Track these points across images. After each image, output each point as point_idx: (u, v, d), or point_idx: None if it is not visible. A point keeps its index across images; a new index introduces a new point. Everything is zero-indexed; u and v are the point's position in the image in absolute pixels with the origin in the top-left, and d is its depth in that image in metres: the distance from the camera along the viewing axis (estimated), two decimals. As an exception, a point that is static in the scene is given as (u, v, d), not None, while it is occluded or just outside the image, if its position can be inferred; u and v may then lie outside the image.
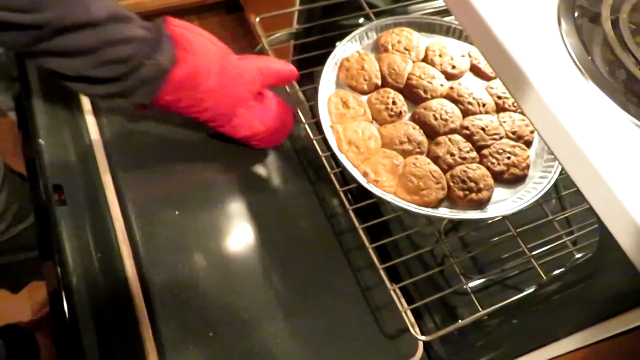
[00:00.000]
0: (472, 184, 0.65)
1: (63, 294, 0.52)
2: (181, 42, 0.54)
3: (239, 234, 0.64)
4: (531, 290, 0.62)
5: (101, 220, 0.57)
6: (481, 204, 0.65)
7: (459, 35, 0.80)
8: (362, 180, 0.64)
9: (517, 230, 0.67)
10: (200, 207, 0.63)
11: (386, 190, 0.64)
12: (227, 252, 0.62)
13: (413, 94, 0.73)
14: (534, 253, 0.67)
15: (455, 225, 0.74)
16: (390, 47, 0.76)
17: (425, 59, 0.77)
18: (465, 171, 0.66)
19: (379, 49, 0.77)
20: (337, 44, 0.75)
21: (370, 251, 0.62)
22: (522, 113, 0.73)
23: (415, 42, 0.77)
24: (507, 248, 0.69)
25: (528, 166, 0.68)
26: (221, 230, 0.63)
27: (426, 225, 0.71)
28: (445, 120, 0.70)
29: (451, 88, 0.74)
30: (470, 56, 0.77)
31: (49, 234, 0.55)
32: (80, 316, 0.52)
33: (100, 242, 0.56)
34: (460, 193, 0.65)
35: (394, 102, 0.71)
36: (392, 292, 0.61)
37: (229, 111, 0.61)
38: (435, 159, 0.68)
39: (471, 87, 0.74)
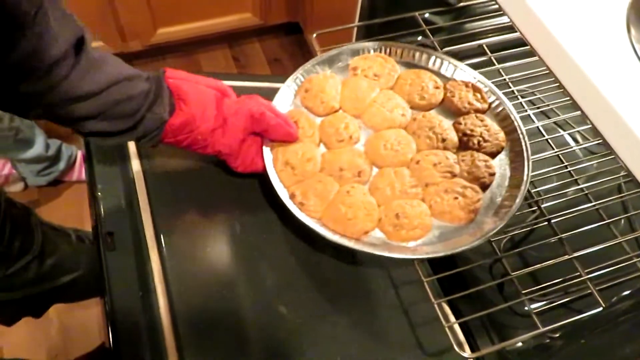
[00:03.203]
0: (405, 221, 0.61)
1: (110, 330, 0.58)
2: (178, 92, 0.60)
3: (266, 270, 0.64)
4: (597, 310, 0.59)
5: (143, 262, 0.62)
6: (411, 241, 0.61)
7: (439, 66, 0.76)
8: (287, 201, 0.61)
9: (581, 252, 0.63)
10: (228, 242, 0.65)
11: (310, 215, 0.61)
12: (254, 283, 0.63)
13: (370, 121, 0.70)
14: (596, 274, 0.63)
15: (516, 243, 0.71)
16: (359, 71, 0.73)
17: (394, 87, 0.73)
18: (402, 206, 0.62)
19: (350, 72, 0.75)
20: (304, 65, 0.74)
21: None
22: (485, 153, 0.66)
23: (388, 69, 0.74)
24: (572, 270, 0.64)
25: (476, 210, 0.63)
26: (246, 267, 0.64)
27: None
28: (396, 151, 0.66)
29: (414, 119, 0.70)
30: (445, 89, 0.73)
31: (102, 275, 0.62)
32: (123, 351, 0.57)
33: (143, 282, 0.61)
34: (390, 228, 0.61)
35: (345, 127, 0.68)
36: (435, 305, 0.59)
37: (228, 149, 0.64)
38: (374, 191, 0.64)
39: (436, 121, 0.69)
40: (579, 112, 0.80)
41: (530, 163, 0.65)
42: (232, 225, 0.67)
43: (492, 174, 0.65)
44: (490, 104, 0.72)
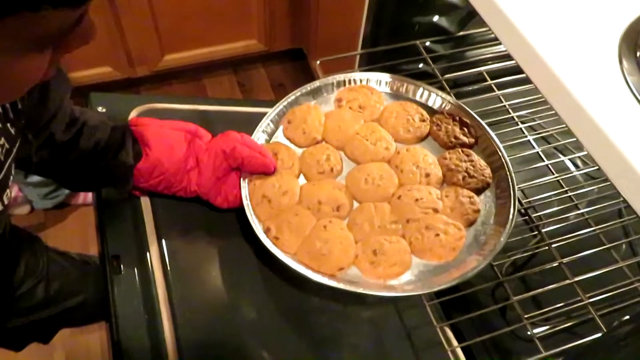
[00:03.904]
0: (382, 257, 0.59)
1: (114, 354, 0.59)
2: (141, 138, 0.64)
3: (274, 291, 0.64)
4: (598, 335, 0.59)
5: (148, 285, 0.62)
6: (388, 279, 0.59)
7: (426, 98, 0.75)
8: (261, 236, 0.60)
9: (582, 277, 0.63)
10: (231, 271, 0.65)
11: (284, 250, 0.60)
12: (260, 309, 0.63)
13: (353, 154, 0.69)
14: (597, 299, 0.62)
15: (518, 267, 0.70)
16: (344, 103, 0.73)
17: (379, 120, 0.72)
18: (380, 242, 0.60)
19: (334, 104, 0.74)
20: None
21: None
22: (470, 189, 0.66)
23: (374, 100, 0.73)
24: (573, 294, 0.64)
25: (458, 248, 0.61)
26: (250, 295, 0.64)
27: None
28: (377, 185, 0.65)
29: (397, 153, 0.69)
30: (432, 122, 0.72)
31: (108, 299, 0.63)
32: None
33: (148, 305, 0.61)
34: (366, 264, 0.59)
35: (327, 159, 0.67)
36: (438, 329, 0.59)
37: (205, 189, 0.65)
38: (352, 226, 0.63)
39: (420, 155, 0.68)
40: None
41: (517, 201, 0.63)
42: (239, 251, 0.66)
43: (477, 211, 0.64)
44: (477, 138, 0.70)
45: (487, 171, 0.67)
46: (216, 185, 0.65)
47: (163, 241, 0.65)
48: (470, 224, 0.63)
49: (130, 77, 1.63)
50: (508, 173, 0.66)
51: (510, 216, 0.62)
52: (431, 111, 0.73)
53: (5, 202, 0.51)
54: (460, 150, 0.69)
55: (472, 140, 0.70)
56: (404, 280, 0.59)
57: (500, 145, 0.69)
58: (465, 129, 0.71)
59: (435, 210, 0.63)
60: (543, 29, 0.47)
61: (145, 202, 0.69)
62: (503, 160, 0.67)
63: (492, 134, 0.70)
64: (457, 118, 0.72)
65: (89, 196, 1.56)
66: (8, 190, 0.51)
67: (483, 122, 0.71)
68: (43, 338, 0.95)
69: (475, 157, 0.68)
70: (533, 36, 0.46)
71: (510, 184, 0.65)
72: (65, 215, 1.56)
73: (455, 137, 0.70)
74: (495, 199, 0.66)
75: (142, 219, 0.67)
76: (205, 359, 0.58)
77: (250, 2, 1.58)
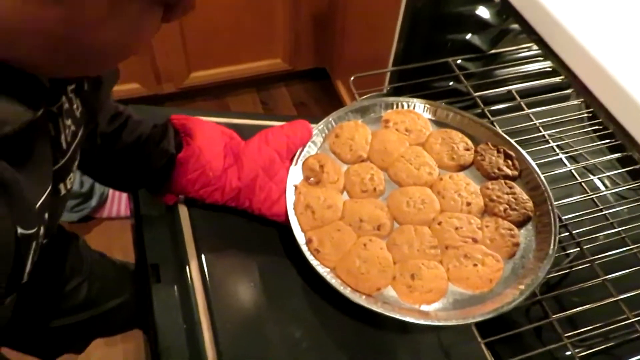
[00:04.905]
0: (419, 282, 0.59)
1: None
2: (184, 129, 0.64)
3: (309, 303, 0.64)
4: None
5: (187, 294, 0.62)
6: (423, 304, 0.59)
7: (471, 127, 0.76)
8: (303, 246, 0.61)
9: (628, 294, 0.62)
10: (270, 283, 0.65)
11: (324, 264, 0.61)
12: (296, 319, 0.63)
13: (396, 176, 0.69)
14: None
15: (551, 287, 0.69)
16: (391, 124, 0.74)
17: (424, 145, 0.73)
18: (418, 266, 0.60)
19: (381, 124, 0.75)
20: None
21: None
22: (511, 221, 0.66)
23: (420, 125, 0.74)
24: (614, 314, 0.63)
25: (495, 280, 0.61)
26: (292, 300, 0.64)
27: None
28: (419, 209, 0.65)
29: (440, 179, 0.69)
30: (476, 152, 0.72)
31: (147, 308, 0.63)
32: None
33: (187, 315, 0.61)
34: (403, 288, 0.59)
35: (371, 178, 0.68)
36: (483, 345, 0.58)
37: (247, 180, 0.64)
38: (392, 246, 0.63)
39: (463, 183, 0.68)
40: (608, 157, 0.83)
41: (557, 238, 0.63)
42: (277, 262, 0.66)
43: (516, 244, 0.63)
44: (520, 171, 0.71)
45: (529, 205, 0.67)
46: (258, 181, 0.64)
47: (202, 251, 0.65)
48: (509, 256, 0.63)
49: (157, 94, 1.66)
50: (551, 208, 0.66)
51: (550, 251, 0.62)
52: (475, 141, 0.74)
53: (68, 186, 0.50)
54: (503, 181, 0.69)
55: (515, 172, 0.70)
56: (438, 307, 0.59)
57: (544, 180, 0.69)
58: (509, 161, 0.71)
59: (475, 240, 0.63)
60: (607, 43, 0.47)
61: (183, 212, 0.69)
62: (546, 195, 0.67)
63: (536, 167, 0.70)
64: (502, 150, 0.72)
65: (114, 210, 1.58)
66: (72, 175, 0.51)
67: (527, 155, 0.71)
68: (78, 347, 0.96)
69: (517, 189, 0.68)
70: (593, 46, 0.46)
71: (552, 219, 0.64)
72: (90, 228, 1.58)
73: (499, 169, 0.70)
74: (535, 233, 0.66)
75: (181, 229, 0.67)
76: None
77: (276, 21, 1.60)
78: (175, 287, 0.63)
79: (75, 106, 0.48)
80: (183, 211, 0.70)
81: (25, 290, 0.53)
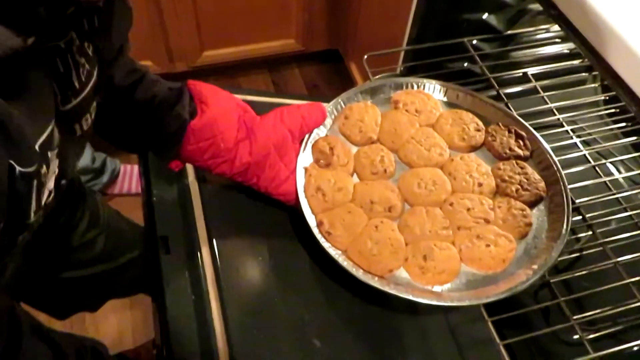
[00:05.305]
0: (432, 263, 0.59)
1: (162, 332, 0.60)
2: (199, 96, 0.61)
3: (318, 281, 0.64)
4: None
5: (196, 266, 0.63)
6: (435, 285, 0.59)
7: (482, 108, 0.75)
8: (314, 228, 0.61)
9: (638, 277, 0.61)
10: (278, 259, 0.66)
11: (336, 246, 0.61)
12: (304, 296, 0.63)
13: (407, 157, 0.69)
14: None
15: (562, 270, 0.69)
16: (401, 105, 0.73)
17: (434, 126, 0.72)
18: (430, 248, 0.60)
19: (391, 105, 0.74)
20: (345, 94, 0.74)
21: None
22: (523, 202, 0.65)
23: (430, 106, 0.73)
24: (623, 297, 0.63)
25: (508, 260, 0.60)
26: (299, 276, 0.64)
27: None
28: (430, 191, 0.65)
29: (451, 160, 0.69)
30: (487, 132, 0.72)
31: (156, 279, 0.64)
32: (175, 351, 0.58)
33: (196, 286, 0.62)
34: (416, 269, 0.59)
35: (381, 160, 0.67)
36: (489, 323, 0.58)
37: (259, 157, 0.63)
38: (403, 228, 0.63)
39: (474, 164, 0.68)
40: (622, 141, 0.82)
41: (571, 217, 0.62)
42: (287, 241, 0.66)
43: (529, 224, 0.63)
44: (532, 151, 0.70)
45: (542, 185, 0.66)
46: (269, 159, 0.64)
47: (211, 226, 0.66)
48: (521, 236, 0.63)
49: (169, 72, 1.66)
50: (563, 188, 0.65)
51: (564, 231, 0.61)
52: (486, 122, 0.73)
53: (85, 127, 0.49)
54: (514, 162, 0.68)
55: (527, 152, 0.70)
56: (451, 288, 0.59)
57: (556, 160, 0.68)
58: (521, 142, 0.70)
59: (487, 221, 0.63)
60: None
61: (194, 188, 0.70)
62: (558, 175, 0.67)
63: (548, 147, 0.69)
64: (513, 130, 0.71)
65: (125, 186, 1.59)
66: (88, 116, 0.49)
67: (539, 135, 0.71)
68: (92, 305, 0.97)
69: (529, 169, 0.68)
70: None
71: (565, 199, 0.64)
72: (102, 204, 1.59)
73: (510, 149, 0.70)
74: (548, 213, 0.65)
75: (191, 204, 0.68)
76: (252, 341, 0.58)
77: (290, 1, 1.59)
78: (184, 259, 0.63)
79: (87, 44, 0.46)
80: (194, 186, 0.70)
81: (41, 235, 0.54)
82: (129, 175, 1.59)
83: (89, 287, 0.87)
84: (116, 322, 1.37)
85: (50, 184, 0.46)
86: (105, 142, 0.67)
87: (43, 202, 0.42)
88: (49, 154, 0.41)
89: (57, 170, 0.46)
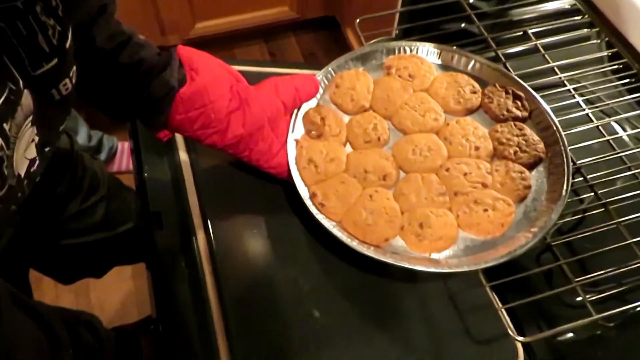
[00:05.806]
0: (429, 231, 0.58)
1: (158, 307, 0.60)
2: (190, 63, 0.58)
3: (314, 252, 0.63)
4: None
5: (189, 241, 0.62)
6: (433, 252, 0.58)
7: (478, 69, 0.72)
8: (307, 201, 0.60)
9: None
10: (272, 233, 0.65)
11: (330, 217, 0.60)
12: (300, 268, 0.62)
13: (401, 124, 0.67)
14: None
15: (564, 233, 0.67)
16: (393, 71, 0.71)
17: (429, 90, 0.70)
18: (426, 215, 0.59)
19: (383, 71, 0.72)
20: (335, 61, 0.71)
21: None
22: (521, 164, 0.64)
23: (424, 70, 0.71)
24: (627, 259, 0.62)
25: (507, 224, 0.59)
26: (295, 248, 0.63)
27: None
28: (425, 157, 0.63)
29: (446, 124, 0.66)
30: (483, 94, 0.69)
31: (151, 253, 0.64)
32: (171, 329, 0.58)
33: (189, 260, 0.61)
34: (412, 237, 0.58)
35: (374, 128, 0.66)
36: (488, 289, 0.58)
37: (253, 128, 0.60)
38: (399, 196, 0.61)
39: (471, 128, 0.66)
40: (627, 98, 0.79)
41: (571, 178, 0.61)
42: (281, 214, 0.65)
43: (528, 187, 0.61)
44: (530, 112, 0.68)
45: (540, 146, 0.64)
46: (263, 131, 0.62)
47: (204, 201, 0.65)
48: (520, 199, 0.61)
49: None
50: (563, 148, 0.63)
51: (564, 192, 0.59)
52: (482, 83, 0.70)
53: (63, 92, 0.47)
54: (512, 123, 0.66)
55: (525, 113, 0.67)
56: (449, 255, 0.58)
57: (556, 120, 0.66)
58: (518, 102, 0.68)
59: (484, 185, 0.61)
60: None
61: (185, 162, 0.68)
62: (558, 135, 0.64)
63: (547, 107, 0.67)
64: (510, 91, 0.69)
65: (123, 164, 1.58)
66: (67, 81, 0.47)
67: (537, 95, 0.68)
68: (97, 272, 0.97)
69: (527, 131, 0.66)
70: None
71: (565, 159, 0.62)
72: (100, 182, 1.59)
73: (508, 110, 0.67)
74: (547, 174, 0.63)
75: (183, 178, 0.67)
76: (248, 314, 0.58)
77: (283, -34, 1.55)
78: (178, 234, 0.63)
79: (54, 3, 0.43)
80: (185, 161, 0.69)
81: (38, 202, 0.51)
82: (126, 153, 1.58)
83: (92, 253, 0.87)
84: (121, 294, 1.38)
85: (32, 153, 0.44)
86: (102, 121, 0.65)
87: (17, 173, 0.41)
88: (6, 123, 0.38)
89: (36, 138, 0.44)
